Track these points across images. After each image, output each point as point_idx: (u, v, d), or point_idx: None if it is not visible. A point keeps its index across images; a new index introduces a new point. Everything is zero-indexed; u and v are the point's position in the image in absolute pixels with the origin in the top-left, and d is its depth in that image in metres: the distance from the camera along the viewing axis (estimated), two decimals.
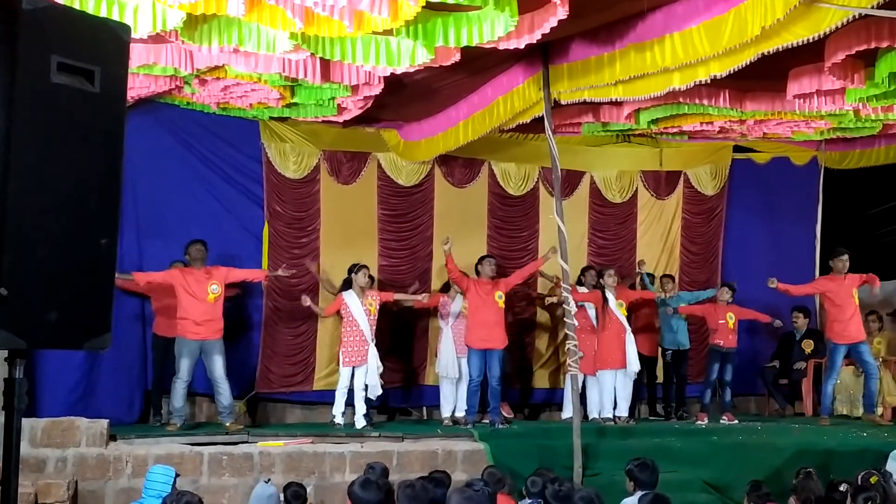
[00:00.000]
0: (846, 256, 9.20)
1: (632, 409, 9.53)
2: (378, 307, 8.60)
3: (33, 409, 7.39)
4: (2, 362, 2.64)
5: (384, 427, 8.71)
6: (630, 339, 9.23)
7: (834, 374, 9.28)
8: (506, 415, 9.03)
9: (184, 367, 7.88)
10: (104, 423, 7.05)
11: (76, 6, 5.14)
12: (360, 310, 8.43)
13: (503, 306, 8.79)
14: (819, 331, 10.71)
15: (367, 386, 8.40)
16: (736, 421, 9.38)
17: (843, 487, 5.12)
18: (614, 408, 9.22)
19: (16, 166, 2.55)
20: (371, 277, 8.85)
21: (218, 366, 7.96)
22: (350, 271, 8.62)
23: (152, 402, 8.59)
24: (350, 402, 8.47)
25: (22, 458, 2.76)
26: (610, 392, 9.21)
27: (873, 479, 5.32)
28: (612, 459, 7.21)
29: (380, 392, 8.47)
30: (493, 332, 8.63)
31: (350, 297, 8.50)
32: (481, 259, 9.05)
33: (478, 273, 8.92)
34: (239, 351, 8.68)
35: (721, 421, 9.36)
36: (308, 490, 5.81)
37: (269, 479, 5.93)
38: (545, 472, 5.75)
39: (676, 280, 10.47)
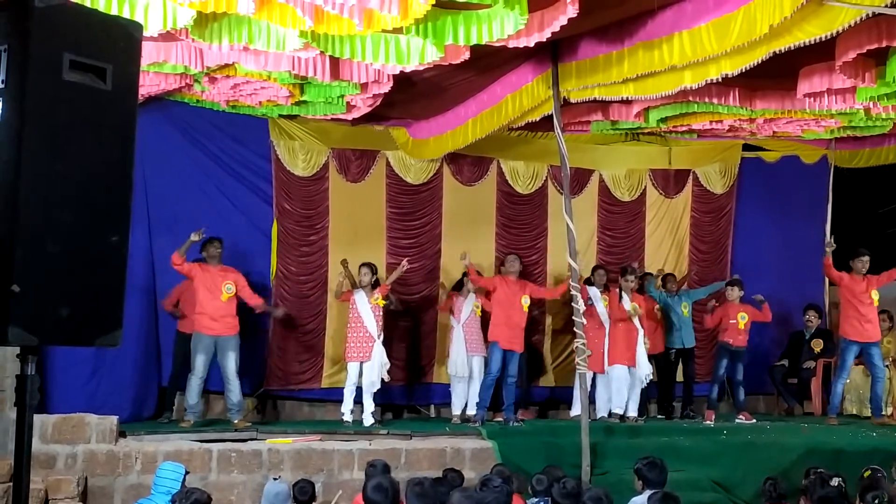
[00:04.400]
0: (867, 258, 9.12)
1: (641, 407, 9.47)
2: (385, 302, 8.59)
3: (44, 406, 7.42)
4: (14, 359, 2.66)
5: (392, 425, 8.71)
6: (641, 341, 9.15)
7: (844, 373, 9.19)
8: (524, 418, 8.99)
9: (199, 363, 7.95)
10: (114, 419, 7.10)
11: (88, 4, 5.16)
12: (366, 307, 8.47)
13: (527, 311, 8.79)
14: (829, 330, 10.66)
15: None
16: (754, 420, 9.32)
17: (834, 482, 5.10)
18: (625, 409, 9.14)
19: (27, 163, 2.57)
20: (375, 276, 8.76)
21: (231, 363, 8.03)
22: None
23: (168, 398, 8.63)
24: (358, 400, 8.48)
25: (32, 454, 2.77)
26: (619, 386, 9.12)
27: (866, 473, 5.31)
28: (621, 458, 7.20)
29: (378, 387, 8.47)
30: (517, 333, 8.65)
31: (358, 295, 8.55)
32: (505, 256, 9.07)
33: (501, 271, 8.93)
34: (248, 348, 8.70)
35: (738, 420, 9.30)
36: (317, 487, 5.82)
37: (278, 476, 5.94)
38: (553, 471, 5.75)
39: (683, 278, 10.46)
